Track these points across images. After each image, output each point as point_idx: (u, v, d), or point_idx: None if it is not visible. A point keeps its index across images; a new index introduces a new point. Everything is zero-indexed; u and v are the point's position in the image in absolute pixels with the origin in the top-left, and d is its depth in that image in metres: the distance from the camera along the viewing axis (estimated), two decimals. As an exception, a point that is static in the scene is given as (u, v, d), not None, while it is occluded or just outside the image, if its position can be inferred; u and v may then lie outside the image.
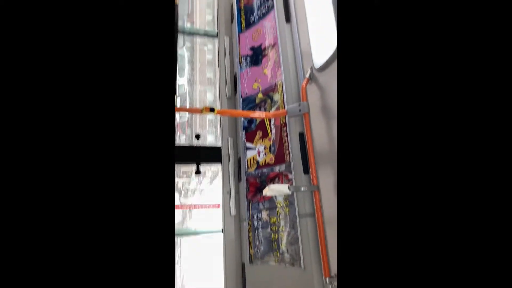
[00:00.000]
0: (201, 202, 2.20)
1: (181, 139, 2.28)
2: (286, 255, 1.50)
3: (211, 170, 2.27)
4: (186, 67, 2.47)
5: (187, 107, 2.32)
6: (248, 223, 1.76)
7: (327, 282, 1.22)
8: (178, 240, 1.91)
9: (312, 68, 1.53)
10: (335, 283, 1.20)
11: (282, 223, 1.56)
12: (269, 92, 1.82)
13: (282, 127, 1.67)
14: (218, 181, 2.09)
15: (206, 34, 2.55)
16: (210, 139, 2.30)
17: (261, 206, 1.71)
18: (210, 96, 2.39)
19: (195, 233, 2.06)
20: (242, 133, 1.96)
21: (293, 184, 1.52)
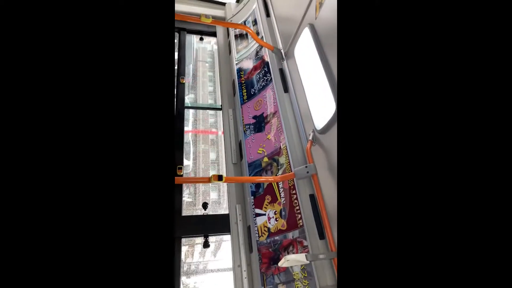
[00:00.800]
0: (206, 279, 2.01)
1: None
2: None
3: (215, 239, 2.14)
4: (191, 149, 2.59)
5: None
6: (264, 302, 1.57)
7: None
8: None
9: (314, 130, 1.59)
10: None
11: (302, 299, 1.39)
12: (274, 156, 1.85)
13: (291, 190, 1.65)
14: (223, 252, 1.95)
15: (210, 108, 2.74)
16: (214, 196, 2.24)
17: (276, 279, 1.55)
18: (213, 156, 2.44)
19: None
20: (250, 199, 1.92)
21: (310, 251, 1.41)
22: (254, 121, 2.13)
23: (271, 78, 2.08)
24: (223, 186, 2.16)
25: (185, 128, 2.46)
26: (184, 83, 2.73)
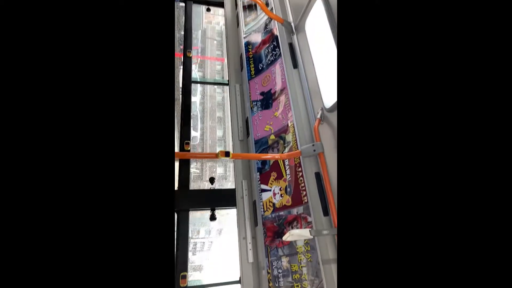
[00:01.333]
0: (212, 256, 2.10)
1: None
2: (312, 308, 1.37)
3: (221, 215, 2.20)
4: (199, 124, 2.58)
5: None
6: (268, 272, 1.65)
7: None
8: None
9: (322, 109, 1.56)
10: None
11: (304, 270, 1.46)
12: (281, 134, 1.85)
13: (296, 168, 1.66)
14: (227, 232, 2.03)
15: (217, 83, 2.71)
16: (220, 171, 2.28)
17: (280, 252, 1.62)
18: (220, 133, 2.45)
19: (210, 285, 1.94)
20: (256, 175, 1.95)
21: (313, 227, 1.46)
22: (261, 97, 2.10)
23: (280, 53, 2.02)
24: (230, 161, 2.19)
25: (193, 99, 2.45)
26: (191, 57, 2.67)
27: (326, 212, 1.43)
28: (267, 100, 2.05)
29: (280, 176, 1.77)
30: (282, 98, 1.91)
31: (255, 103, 2.14)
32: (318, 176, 1.53)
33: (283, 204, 1.69)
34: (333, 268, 1.33)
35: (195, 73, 2.71)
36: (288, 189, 1.69)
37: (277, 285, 1.58)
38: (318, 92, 1.62)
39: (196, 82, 2.66)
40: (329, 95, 1.54)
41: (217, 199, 2.05)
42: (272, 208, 1.76)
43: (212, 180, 2.10)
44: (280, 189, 1.74)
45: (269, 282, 1.64)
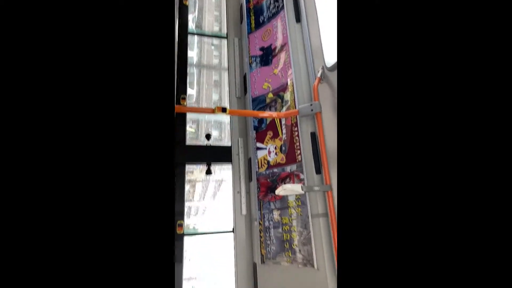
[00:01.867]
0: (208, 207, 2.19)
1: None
2: (299, 255, 1.50)
3: (219, 173, 2.25)
4: (195, 70, 2.49)
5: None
6: (259, 223, 1.76)
7: (341, 282, 1.21)
8: (188, 240, 1.92)
9: (323, 67, 1.52)
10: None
11: (294, 223, 1.56)
12: (279, 92, 1.82)
13: (293, 127, 1.67)
14: (223, 190, 2.10)
15: (214, 36, 2.56)
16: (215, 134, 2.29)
17: (272, 206, 1.71)
18: (216, 97, 2.40)
19: (206, 233, 2.07)
20: (252, 133, 1.96)
21: (305, 183, 1.52)
22: (261, 53, 2.02)
23: (283, 5, 1.89)
24: (226, 124, 2.18)
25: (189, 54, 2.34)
26: (187, 5, 2.48)
27: (318, 171, 1.48)
28: (267, 56, 1.97)
29: (276, 135, 1.79)
30: (283, 55, 1.84)
31: (254, 58, 2.06)
32: (313, 136, 1.54)
33: (277, 162, 1.73)
34: (321, 221, 1.42)
35: (191, 25, 2.54)
36: (283, 148, 1.72)
37: (267, 235, 1.70)
38: (320, 50, 1.56)
39: (193, 34, 2.51)
40: (332, 53, 1.48)
41: (213, 155, 2.09)
42: (266, 165, 1.80)
43: (208, 137, 2.11)
44: (275, 148, 1.77)
45: (260, 232, 1.75)
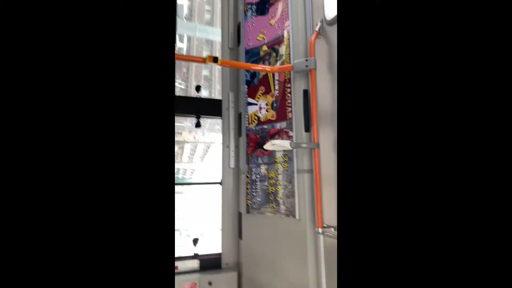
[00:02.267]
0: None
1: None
2: (282, 207, 1.59)
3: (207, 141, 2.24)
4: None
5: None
6: (247, 176, 1.83)
7: (320, 231, 1.32)
8: (180, 189, 1.98)
9: (322, 21, 1.44)
10: (326, 233, 1.30)
11: (280, 177, 1.62)
12: (274, 45, 1.73)
13: (286, 83, 1.64)
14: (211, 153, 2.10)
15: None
16: (205, 94, 2.25)
17: (260, 160, 1.75)
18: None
19: (196, 183, 2.13)
20: (243, 88, 1.92)
21: (294, 140, 1.54)
22: (257, 0, 1.87)
23: None
24: (215, 82, 2.11)
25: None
26: None
27: (307, 129, 1.50)
28: (264, 4, 1.83)
29: (268, 91, 1.76)
30: (280, 4, 1.71)
31: (249, 6, 1.91)
32: (306, 93, 1.52)
33: (268, 119, 1.73)
34: (305, 177, 1.49)
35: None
36: (275, 105, 1.70)
37: (254, 187, 1.78)
38: (321, 1, 1.46)
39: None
40: (333, 5, 1.39)
41: (202, 107, 2.05)
42: (256, 121, 1.80)
43: (198, 88, 2.05)
44: (266, 104, 1.76)
45: (247, 185, 1.83)
